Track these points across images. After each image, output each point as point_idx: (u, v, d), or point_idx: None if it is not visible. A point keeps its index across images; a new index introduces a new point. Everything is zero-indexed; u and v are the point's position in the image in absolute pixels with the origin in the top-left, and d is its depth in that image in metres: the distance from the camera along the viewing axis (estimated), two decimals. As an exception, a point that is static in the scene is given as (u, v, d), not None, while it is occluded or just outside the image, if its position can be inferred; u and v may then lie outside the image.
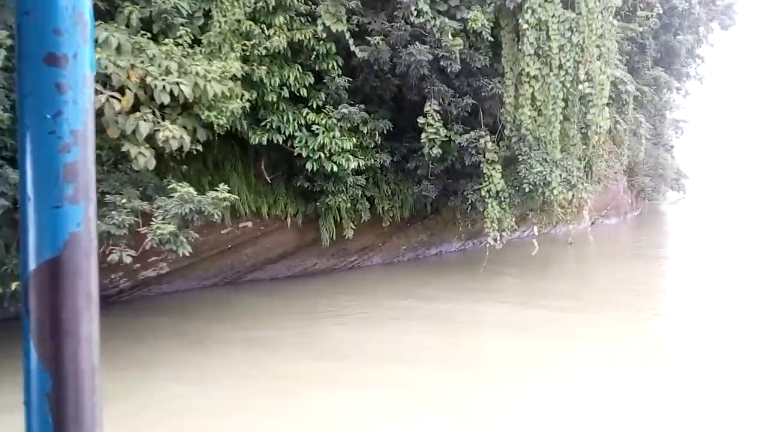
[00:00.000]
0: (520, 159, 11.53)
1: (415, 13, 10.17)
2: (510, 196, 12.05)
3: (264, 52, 9.09)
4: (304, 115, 10.35)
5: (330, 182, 11.32)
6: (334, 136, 10.28)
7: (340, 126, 10.48)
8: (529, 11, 10.40)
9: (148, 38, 7.31)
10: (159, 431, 5.79)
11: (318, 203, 11.72)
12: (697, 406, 6.64)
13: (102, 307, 0.62)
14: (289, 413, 6.14)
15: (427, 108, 11.04)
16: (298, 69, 10.10)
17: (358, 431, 5.95)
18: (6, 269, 6.35)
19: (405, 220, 15.58)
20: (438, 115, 11.10)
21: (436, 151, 11.17)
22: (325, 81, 10.42)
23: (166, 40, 7.30)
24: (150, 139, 6.84)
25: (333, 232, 12.58)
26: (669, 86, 38.41)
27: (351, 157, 10.58)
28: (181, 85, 6.95)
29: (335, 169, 10.37)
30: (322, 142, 10.15)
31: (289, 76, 9.82)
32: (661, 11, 27.30)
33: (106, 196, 6.87)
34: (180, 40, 7.55)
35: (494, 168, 11.91)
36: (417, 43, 10.17)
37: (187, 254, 6.89)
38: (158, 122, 6.85)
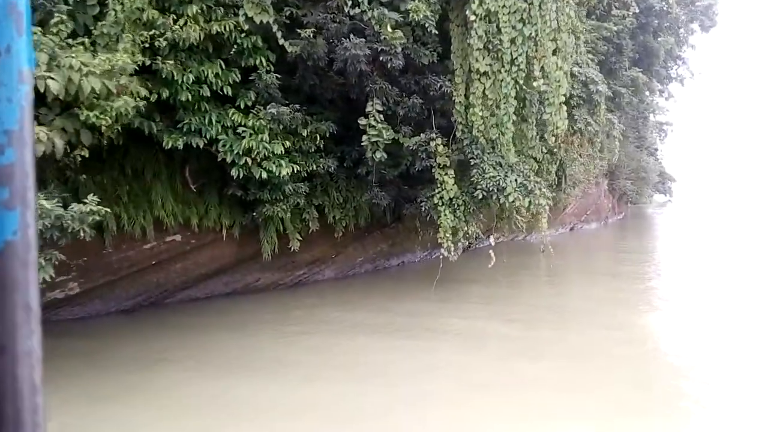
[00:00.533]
0: (473, 163, 10.59)
1: (349, 2, 9.22)
2: (465, 203, 11.10)
3: (168, 44, 8.06)
4: (229, 116, 9.34)
5: (265, 190, 10.31)
6: (262, 140, 9.27)
7: (271, 128, 9.47)
8: (477, 1, 9.49)
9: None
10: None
11: (255, 213, 10.69)
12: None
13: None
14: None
15: (369, 108, 10.08)
16: (220, 65, 9.10)
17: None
18: None
19: (362, 230, 14.58)
20: (381, 115, 10.13)
21: (380, 154, 10.20)
22: (252, 78, 9.42)
23: (35, 29, 6.28)
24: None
25: (275, 244, 11.56)
26: (651, 88, 38.03)
27: (283, 162, 9.56)
28: (48, 80, 5.92)
29: (264, 175, 9.35)
30: (247, 145, 9.13)
31: (207, 73, 8.81)
32: (637, 10, 26.68)
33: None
34: (55, 29, 6.53)
35: (446, 173, 10.97)
36: (352, 36, 9.21)
37: (47, 278, 5.83)
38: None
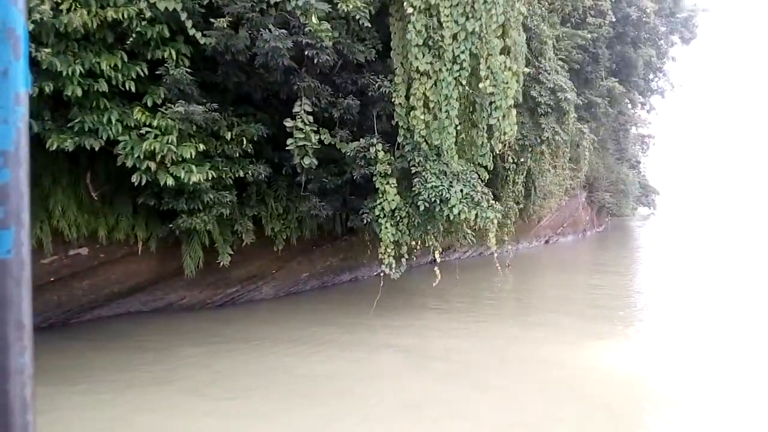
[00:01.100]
0: (413, 171, 9.59)
1: (269, -11, 8.24)
2: (409, 215, 10.08)
3: (48, 31, 6.98)
4: (133, 114, 8.25)
5: (181, 199, 9.21)
6: (169, 142, 8.19)
7: (180, 129, 8.39)
8: (415, -8, 8.56)
9: None
10: None
11: (171, 225, 9.57)
12: None
13: None
14: None
15: (296, 108, 9.05)
16: (121, 57, 8.03)
17: None
18: None
19: (310, 242, 13.50)
20: (311, 117, 9.11)
21: (309, 160, 9.15)
22: (160, 73, 8.36)
23: None
24: None
25: (200, 259, 10.43)
26: (632, 101, 37.63)
27: (194, 167, 8.48)
28: None
29: (171, 182, 8.25)
30: (149, 148, 8.04)
31: (102, 65, 7.74)
32: (614, 19, 26.11)
33: None
34: None
35: (388, 182, 9.95)
36: (271, 26, 8.20)
37: None
38: None
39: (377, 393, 6.87)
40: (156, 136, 8.21)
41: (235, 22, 8.65)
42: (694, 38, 40.09)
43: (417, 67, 8.99)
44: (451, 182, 9.40)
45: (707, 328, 10.56)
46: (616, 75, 29.17)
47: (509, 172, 16.69)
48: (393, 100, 9.62)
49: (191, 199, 9.28)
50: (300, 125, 8.89)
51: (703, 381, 7.57)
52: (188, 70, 8.43)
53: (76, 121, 7.84)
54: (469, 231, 10.85)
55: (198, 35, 8.33)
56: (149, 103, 8.47)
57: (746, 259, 21.52)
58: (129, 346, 8.71)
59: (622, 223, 46.79)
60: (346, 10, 8.44)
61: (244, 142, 9.71)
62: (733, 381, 7.48)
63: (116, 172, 9.48)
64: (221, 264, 10.56)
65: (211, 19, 8.43)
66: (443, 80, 8.84)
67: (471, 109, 10.23)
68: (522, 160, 16.90)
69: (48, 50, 6.99)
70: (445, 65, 8.84)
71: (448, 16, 8.72)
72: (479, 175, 10.10)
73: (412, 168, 9.64)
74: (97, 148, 8.06)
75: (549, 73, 17.12)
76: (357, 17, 8.56)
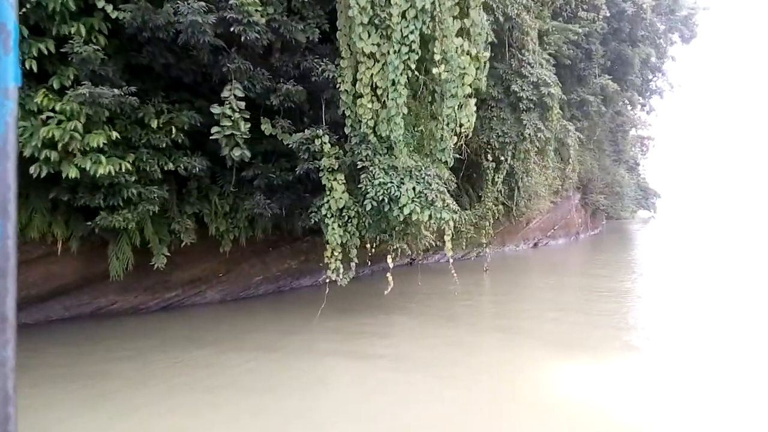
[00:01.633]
0: (360, 166, 8.60)
1: (189, -43, 7.24)
2: (358, 215, 9.08)
3: None
4: (35, 98, 7.28)
5: (98, 194, 8.24)
6: (74, 128, 7.21)
7: (89, 115, 7.41)
8: (359, -37, 7.56)
9: None
10: None
11: (89, 223, 8.60)
12: None
13: None
14: None
15: (225, 93, 8.06)
16: (21, 33, 7.06)
17: None
18: None
19: (264, 243, 12.50)
20: (242, 103, 8.12)
21: (240, 152, 8.16)
22: (64, 50, 7.38)
23: None
24: None
25: (129, 260, 9.46)
26: (632, 102, 36.49)
27: (103, 158, 7.50)
28: None
29: (73, 174, 7.27)
30: (48, 134, 7.07)
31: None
32: (608, 14, 25.04)
33: None
34: None
35: (335, 178, 8.96)
36: (189, 0, 7.21)
37: None
38: None
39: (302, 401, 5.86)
40: (60, 122, 7.25)
41: (154, -6, 7.68)
42: (694, 37, 38.92)
43: (362, 49, 7.99)
44: (402, 179, 8.40)
45: (691, 340, 9.52)
46: (612, 73, 28.05)
47: (488, 171, 15.69)
48: (338, 86, 8.62)
49: (110, 195, 8.32)
50: (228, 112, 7.90)
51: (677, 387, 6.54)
52: (100, 48, 7.45)
53: (-38, 102, 6.87)
54: (427, 233, 9.84)
55: (109, 8, 7.35)
56: (56, 86, 7.51)
57: (746, 266, 20.41)
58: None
59: (619, 226, 45.62)
60: (277, -19, 7.46)
61: (174, 131, 8.74)
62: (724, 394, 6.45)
63: (20, 162, 8.53)
64: (155, 266, 9.60)
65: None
66: (390, 63, 7.84)
67: (430, 99, 9.22)
68: (502, 158, 15.89)
69: None
70: (392, 47, 7.84)
71: (396, -10, 7.72)
72: (438, 173, 9.08)
73: (358, 162, 8.64)
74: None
75: (532, 67, 16.09)
76: (292, -9, 7.58)
